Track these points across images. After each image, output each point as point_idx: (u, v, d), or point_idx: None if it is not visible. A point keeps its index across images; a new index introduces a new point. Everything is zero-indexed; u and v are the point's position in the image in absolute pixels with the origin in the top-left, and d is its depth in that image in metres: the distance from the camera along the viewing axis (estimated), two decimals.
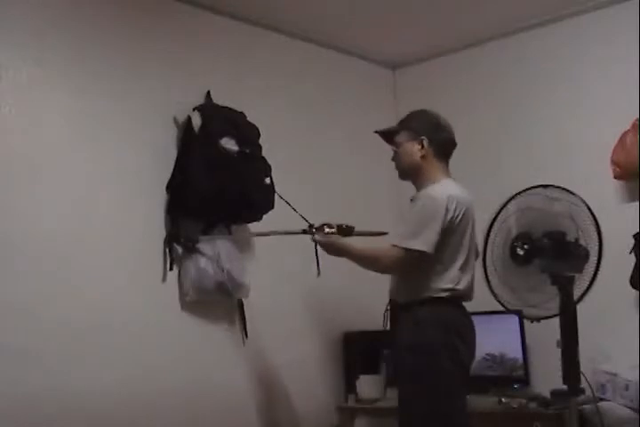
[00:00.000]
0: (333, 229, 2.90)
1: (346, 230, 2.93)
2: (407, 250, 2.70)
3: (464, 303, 2.81)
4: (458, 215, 2.73)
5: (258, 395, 3.43)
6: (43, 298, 2.81)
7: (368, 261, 2.83)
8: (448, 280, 2.73)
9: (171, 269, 3.19)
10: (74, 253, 2.94)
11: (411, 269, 2.74)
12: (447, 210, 2.70)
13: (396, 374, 2.96)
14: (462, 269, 2.75)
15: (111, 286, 3.02)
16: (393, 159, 2.95)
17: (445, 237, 2.71)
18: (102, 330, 2.96)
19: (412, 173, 2.91)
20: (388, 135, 2.97)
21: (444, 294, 2.73)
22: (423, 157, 2.86)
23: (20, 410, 2.68)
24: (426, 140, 2.86)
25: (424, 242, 2.68)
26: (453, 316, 2.75)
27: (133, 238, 3.13)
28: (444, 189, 2.77)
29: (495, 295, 2.69)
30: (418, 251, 2.68)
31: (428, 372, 2.69)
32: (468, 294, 2.80)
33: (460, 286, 2.75)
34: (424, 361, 2.69)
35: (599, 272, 2.63)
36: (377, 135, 2.99)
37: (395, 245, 2.73)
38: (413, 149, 2.87)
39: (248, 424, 3.37)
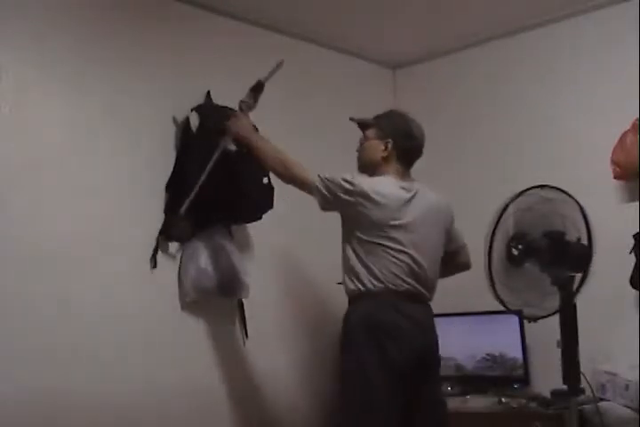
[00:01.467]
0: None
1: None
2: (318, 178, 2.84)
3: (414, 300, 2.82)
4: (369, 201, 2.78)
5: (258, 395, 3.42)
6: (41, 298, 2.81)
7: (279, 160, 2.95)
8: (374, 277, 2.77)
9: (154, 266, 3.16)
10: (73, 253, 2.93)
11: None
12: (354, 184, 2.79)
13: None
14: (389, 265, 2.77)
15: (110, 285, 3.02)
16: (357, 150, 3.01)
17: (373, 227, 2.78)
18: (102, 330, 2.96)
19: (369, 169, 2.97)
20: (361, 126, 3.01)
21: (374, 290, 2.76)
22: (384, 158, 2.91)
23: (17, 410, 2.68)
24: (391, 143, 2.90)
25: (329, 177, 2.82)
26: (381, 313, 2.75)
27: (133, 238, 3.13)
28: (374, 179, 2.87)
29: (497, 296, 2.69)
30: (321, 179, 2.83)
31: (353, 370, 2.73)
32: (403, 291, 2.78)
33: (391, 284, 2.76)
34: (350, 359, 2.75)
35: (591, 272, 2.63)
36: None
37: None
38: (377, 148, 2.92)
39: (248, 424, 3.37)
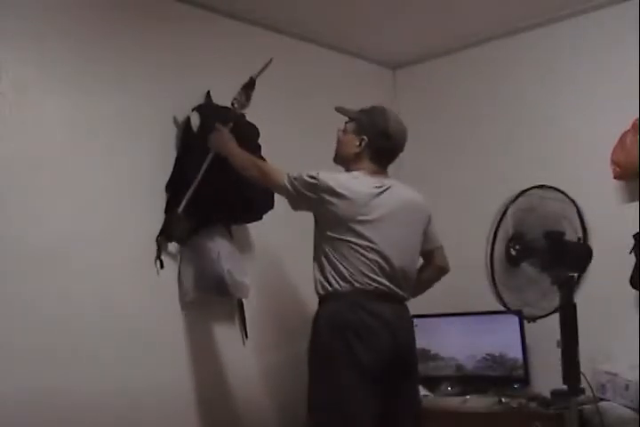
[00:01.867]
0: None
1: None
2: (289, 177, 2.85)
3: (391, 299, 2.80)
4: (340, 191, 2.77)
5: (258, 395, 3.42)
6: (41, 298, 2.81)
7: (254, 165, 2.97)
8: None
9: (162, 267, 3.17)
10: (73, 253, 2.93)
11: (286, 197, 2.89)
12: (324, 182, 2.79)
13: None
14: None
15: (110, 285, 3.02)
16: (336, 141, 3.02)
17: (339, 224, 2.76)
18: (102, 330, 2.96)
19: (342, 162, 2.99)
20: (346, 116, 3.01)
21: (341, 291, 2.74)
22: (357, 154, 2.91)
23: (17, 410, 2.67)
24: (366, 140, 2.89)
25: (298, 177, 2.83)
26: (348, 313, 2.72)
27: (133, 238, 3.13)
28: (341, 175, 2.88)
29: (498, 296, 2.69)
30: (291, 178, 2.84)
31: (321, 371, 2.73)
32: (371, 290, 2.76)
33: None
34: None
35: (590, 272, 2.63)
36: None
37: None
38: (352, 143, 2.92)
39: (248, 424, 3.37)
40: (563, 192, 2.67)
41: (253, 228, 3.48)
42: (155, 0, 3.37)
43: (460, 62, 4.21)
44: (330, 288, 2.76)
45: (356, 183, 2.83)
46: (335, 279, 2.76)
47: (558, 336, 2.50)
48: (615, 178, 3.49)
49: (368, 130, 2.90)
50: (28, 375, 2.72)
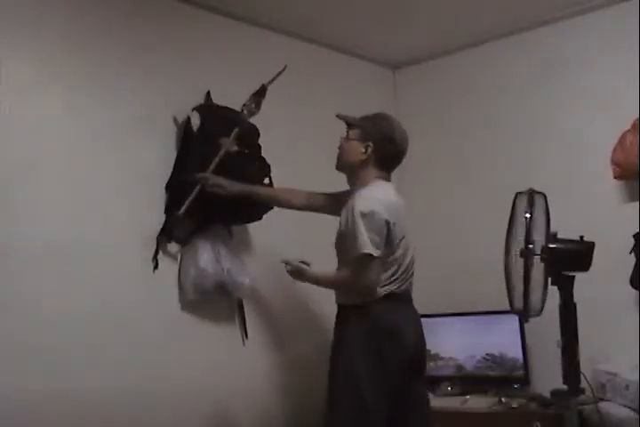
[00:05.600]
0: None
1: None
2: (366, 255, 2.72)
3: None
4: (392, 220, 2.76)
5: (258, 395, 3.42)
6: (41, 298, 2.81)
7: (339, 284, 2.88)
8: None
9: (156, 267, 3.16)
10: (73, 253, 2.93)
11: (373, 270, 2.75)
12: (380, 214, 2.73)
13: None
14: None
15: (110, 285, 3.01)
16: (338, 148, 2.99)
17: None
18: (102, 330, 2.96)
19: (346, 169, 2.96)
20: (347, 124, 2.98)
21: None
22: (363, 160, 2.88)
23: (17, 410, 2.67)
24: (371, 147, 2.87)
25: (372, 245, 2.70)
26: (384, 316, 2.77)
27: (133, 238, 3.12)
28: (375, 194, 2.81)
29: (511, 296, 2.68)
30: (370, 255, 2.71)
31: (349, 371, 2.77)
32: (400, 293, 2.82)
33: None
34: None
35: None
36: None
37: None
38: (357, 150, 2.89)
39: (248, 424, 3.37)
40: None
41: (253, 228, 3.48)
42: (154, 0, 3.38)
43: (460, 62, 4.22)
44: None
45: (395, 201, 2.85)
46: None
47: (558, 336, 2.50)
48: (615, 178, 3.49)
49: (373, 136, 2.88)
50: (27, 375, 2.72)
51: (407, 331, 2.79)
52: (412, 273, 2.92)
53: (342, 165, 2.98)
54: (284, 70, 3.18)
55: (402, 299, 2.85)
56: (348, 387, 2.74)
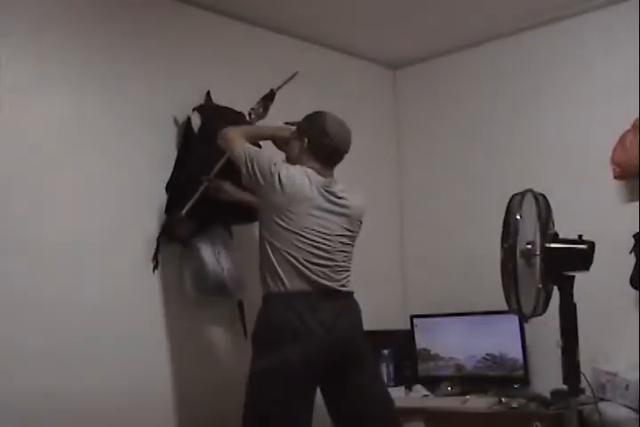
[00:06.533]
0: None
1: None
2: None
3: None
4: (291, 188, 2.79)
5: None
6: (41, 298, 2.81)
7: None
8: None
9: (156, 267, 3.17)
10: (73, 254, 2.94)
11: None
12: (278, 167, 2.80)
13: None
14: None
15: (110, 285, 3.02)
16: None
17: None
18: (102, 330, 2.96)
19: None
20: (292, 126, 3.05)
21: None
22: (300, 155, 2.94)
23: (17, 410, 2.68)
24: (306, 141, 2.93)
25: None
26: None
27: (133, 238, 3.13)
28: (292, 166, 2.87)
29: (516, 297, 2.66)
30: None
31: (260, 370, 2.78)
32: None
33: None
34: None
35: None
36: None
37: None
38: (295, 147, 2.98)
39: None
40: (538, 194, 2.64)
41: (253, 228, 3.47)
42: (155, 0, 3.38)
43: (460, 62, 4.21)
44: (276, 289, 2.77)
45: (302, 179, 2.84)
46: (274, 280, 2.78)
47: (558, 336, 2.50)
48: (615, 178, 3.49)
49: (307, 131, 2.96)
50: (28, 375, 2.72)
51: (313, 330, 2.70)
52: (344, 269, 2.88)
53: (288, 162, 2.99)
54: (294, 76, 3.21)
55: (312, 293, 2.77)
56: (261, 386, 2.76)
